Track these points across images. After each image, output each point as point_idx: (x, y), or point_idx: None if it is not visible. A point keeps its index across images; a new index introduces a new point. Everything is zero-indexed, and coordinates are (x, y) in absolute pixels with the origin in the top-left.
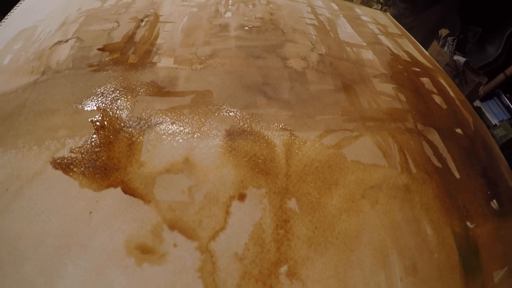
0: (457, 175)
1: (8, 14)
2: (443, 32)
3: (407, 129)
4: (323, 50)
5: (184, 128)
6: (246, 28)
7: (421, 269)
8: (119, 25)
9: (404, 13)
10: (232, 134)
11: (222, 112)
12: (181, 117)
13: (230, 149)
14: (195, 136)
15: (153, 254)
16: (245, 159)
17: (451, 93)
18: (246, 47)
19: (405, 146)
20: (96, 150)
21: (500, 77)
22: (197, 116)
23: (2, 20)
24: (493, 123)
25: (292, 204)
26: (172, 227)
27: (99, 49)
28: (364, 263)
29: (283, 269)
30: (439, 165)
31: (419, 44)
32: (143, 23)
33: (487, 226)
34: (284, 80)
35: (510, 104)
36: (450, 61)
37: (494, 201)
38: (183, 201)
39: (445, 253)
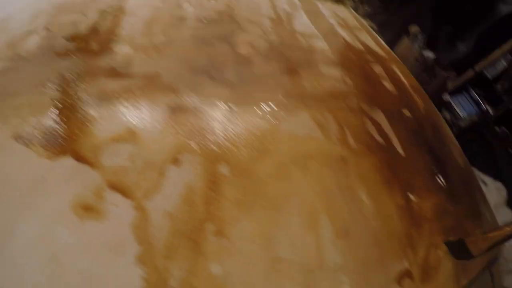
0: (402, 152)
1: None
2: (414, 29)
3: (349, 108)
4: (274, 39)
5: (132, 105)
6: (203, 20)
7: (354, 234)
8: (86, 17)
9: (378, 10)
10: (174, 109)
11: (167, 91)
12: (130, 95)
13: (171, 121)
14: (141, 110)
15: (94, 212)
16: (183, 130)
17: (403, 79)
18: (199, 36)
19: (345, 122)
20: (54, 125)
21: (470, 73)
22: (144, 94)
23: None
24: (462, 116)
25: (223, 169)
26: (113, 188)
27: (66, 39)
28: (292, 225)
29: (211, 227)
30: (382, 142)
31: (378, 37)
32: (108, 15)
33: (433, 200)
34: (230, 64)
35: (478, 99)
36: (419, 57)
37: (441, 178)
38: (125, 166)
39: (384, 221)
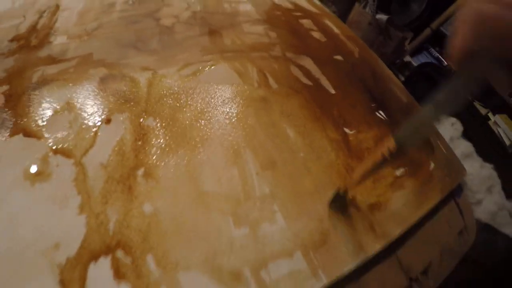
0: (332, 91)
1: None
2: None
3: (272, 56)
4: (198, 8)
5: (68, 82)
6: (130, 2)
7: (282, 165)
8: (25, 19)
9: None
10: (104, 79)
11: (98, 66)
12: (66, 75)
13: (101, 89)
14: (75, 85)
15: (42, 175)
16: (112, 95)
17: (336, 30)
18: (127, 16)
19: (266, 68)
20: (6, 111)
21: (427, 31)
22: (78, 72)
23: None
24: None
25: (149, 122)
26: (56, 152)
27: (9, 41)
28: (214, 161)
29: (140, 171)
30: (309, 83)
31: None
32: (45, 13)
33: (372, 133)
34: (154, 35)
35: (439, 56)
36: (372, 20)
37: (381, 113)
38: (64, 132)
39: (315, 154)
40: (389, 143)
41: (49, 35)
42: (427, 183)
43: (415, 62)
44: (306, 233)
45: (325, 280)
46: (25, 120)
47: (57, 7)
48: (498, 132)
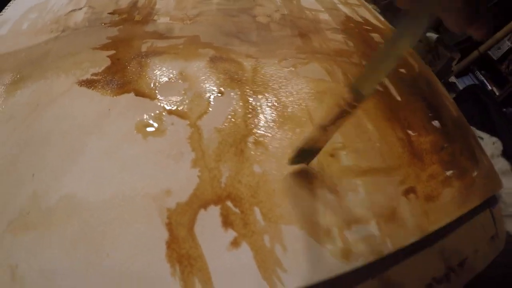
0: (398, 98)
1: None
2: None
3: (352, 62)
4: (285, 12)
5: (180, 55)
6: None
7: (362, 152)
8: None
9: None
10: (213, 59)
11: (206, 47)
12: (176, 50)
13: (212, 66)
14: (187, 60)
15: (156, 131)
16: (223, 73)
17: None
18: (224, 9)
19: (349, 71)
20: (113, 71)
21: (474, 54)
22: (188, 49)
23: (9, 3)
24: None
25: (257, 100)
26: (170, 113)
27: (109, 13)
28: None
29: (251, 139)
30: (380, 89)
31: (376, 12)
32: None
33: (430, 137)
34: (252, 29)
35: (484, 80)
36: (423, 37)
37: (436, 122)
38: (179, 97)
39: (388, 146)
40: (345, 95)
41: (151, 14)
42: (470, 187)
43: (459, 83)
44: (380, 206)
45: (391, 248)
46: (137, 81)
47: None
48: None
